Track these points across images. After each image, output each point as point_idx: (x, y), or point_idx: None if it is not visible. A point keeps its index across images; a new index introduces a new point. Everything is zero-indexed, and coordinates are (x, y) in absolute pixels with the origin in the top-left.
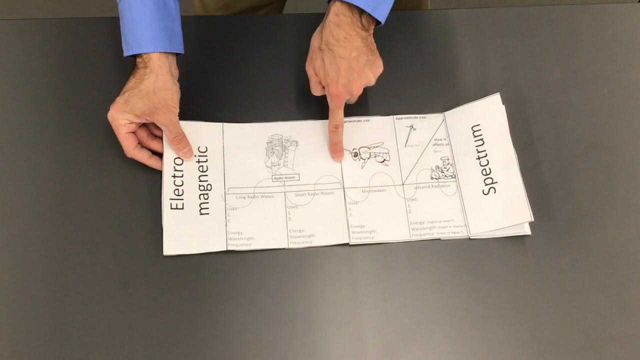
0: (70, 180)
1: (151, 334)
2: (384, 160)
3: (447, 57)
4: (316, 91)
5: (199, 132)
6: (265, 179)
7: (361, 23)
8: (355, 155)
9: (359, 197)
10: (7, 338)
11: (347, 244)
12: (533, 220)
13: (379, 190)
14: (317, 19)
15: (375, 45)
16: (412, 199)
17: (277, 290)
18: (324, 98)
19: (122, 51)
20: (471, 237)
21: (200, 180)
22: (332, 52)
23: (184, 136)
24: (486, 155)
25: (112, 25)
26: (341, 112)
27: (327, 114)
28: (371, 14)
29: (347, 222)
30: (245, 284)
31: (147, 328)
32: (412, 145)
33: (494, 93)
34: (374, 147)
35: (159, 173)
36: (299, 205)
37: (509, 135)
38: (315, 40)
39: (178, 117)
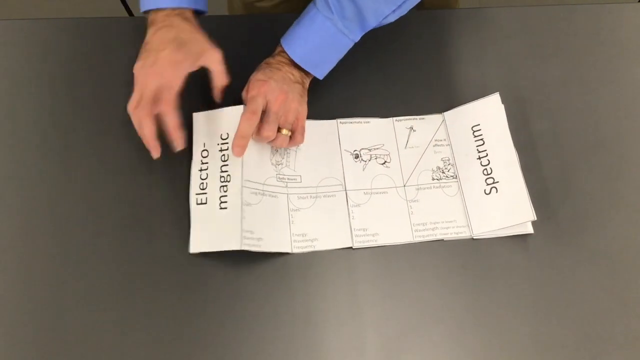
0: (71, 179)
1: (151, 333)
2: (385, 162)
3: (447, 57)
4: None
5: (220, 118)
6: (271, 176)
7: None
8: (357, 157)
9: (361, 200)
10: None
11: (350, 248)
12: (536, 219)
13: (380, 192)
14: None
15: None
16: (414, 201)
17: (277, 290)
18: (325, 100)
19: (122, 51)
20: (474, 237)
21: (222, 171)
22: (276, 80)
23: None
24: (487, 155)
25: (112, 26)
26: (262, 100)
27: (329, 115)
28: (310, 72)
29: (350, 225)
30: (245, 284)
31: (147, 327)
32: (412, 147)
33: (493, 93)
34: (374, 148)
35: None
36: (302, 209)
37: (509, 134)
38: (259, 74)
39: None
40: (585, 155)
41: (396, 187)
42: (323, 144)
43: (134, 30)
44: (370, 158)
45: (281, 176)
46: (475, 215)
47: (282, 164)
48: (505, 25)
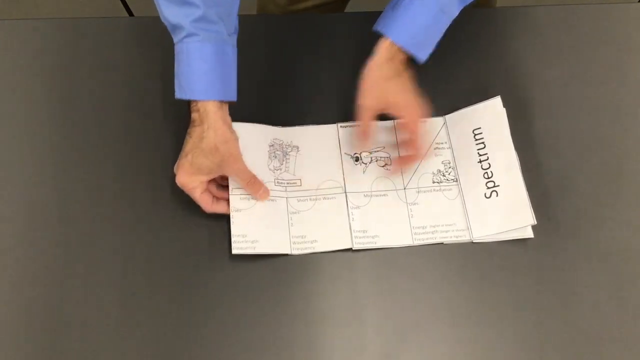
0: (70, 179)
1: (150, 333)
2: (386, 164)
3: (447, 58)
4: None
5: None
6: (267, 182)
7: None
8: (357, 160)
9: (361, 202)
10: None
11: (350, 249)
12: (536, 223)
13: (381, 195)
14: (321, 21)
15: None
16: (414, 204)
17: (277, 291)
18: (326, 104)
19: (121, 51)
20: (474, 241)
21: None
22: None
23: (256, 177)
24: (488, 158)
25: (112, 26)
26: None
27: (329, 119)
28: (416, 55)
29: (350, 227)
30: (246, 285)
31: (146, 326)
32: None
33: (494, 94)
34: (375, 151)
35: None
36: (301, 211)
37: (511, 138)
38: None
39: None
40: (585, 156)
41: (396, 189)
42: (323, 148)
43: (134, 30)
44: (371, 160)
45: (280, 180)
46: (475, 218)
47: (280, 169)
48: (505, 26)
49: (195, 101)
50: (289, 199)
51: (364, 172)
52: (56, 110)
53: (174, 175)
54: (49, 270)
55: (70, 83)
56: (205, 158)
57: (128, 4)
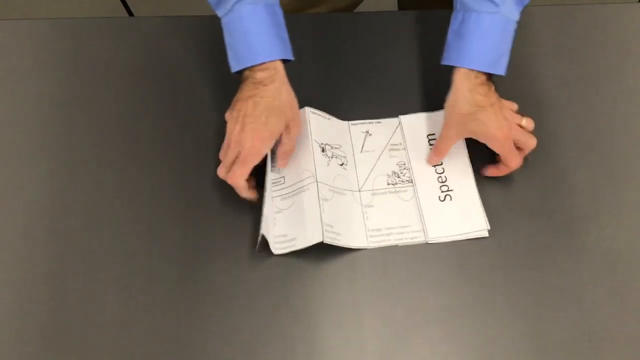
0: (71, 179)
1: (150, 332)
2: (343, 163)
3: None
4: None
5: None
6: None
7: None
8: (323, 150)
9: (328, 195)
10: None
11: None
12: (489, 228)
13: (339, 193)
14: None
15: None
16: (369, 206)
17: (276, 291)
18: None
19: (121, 51)
20: (429, 242)
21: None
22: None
23: None
24: (442, 163)
25: (112, 26)
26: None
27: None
28: (498, 73)
29: (321, 219)
30: (245, 285)
31: (146, 325)
32: (368, 151)
33: None
34: (335, 147)
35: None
36: (283, 210)
37: (465, 147)
38: (464, 105)
39: None
40: (583, 156)
41: (352, 191)
42: (303, 138)
43: (134, 30)
44: (332, 156)
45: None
46: (430, 220)
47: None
48: None
49: (262, 62)
50: (274, 198)
51: (327, 165)
52: (56, 110)
53: (175, 176)
54: (50, 270)
55: (70, 83)
56: (278, 118)
57: (128, 4)
